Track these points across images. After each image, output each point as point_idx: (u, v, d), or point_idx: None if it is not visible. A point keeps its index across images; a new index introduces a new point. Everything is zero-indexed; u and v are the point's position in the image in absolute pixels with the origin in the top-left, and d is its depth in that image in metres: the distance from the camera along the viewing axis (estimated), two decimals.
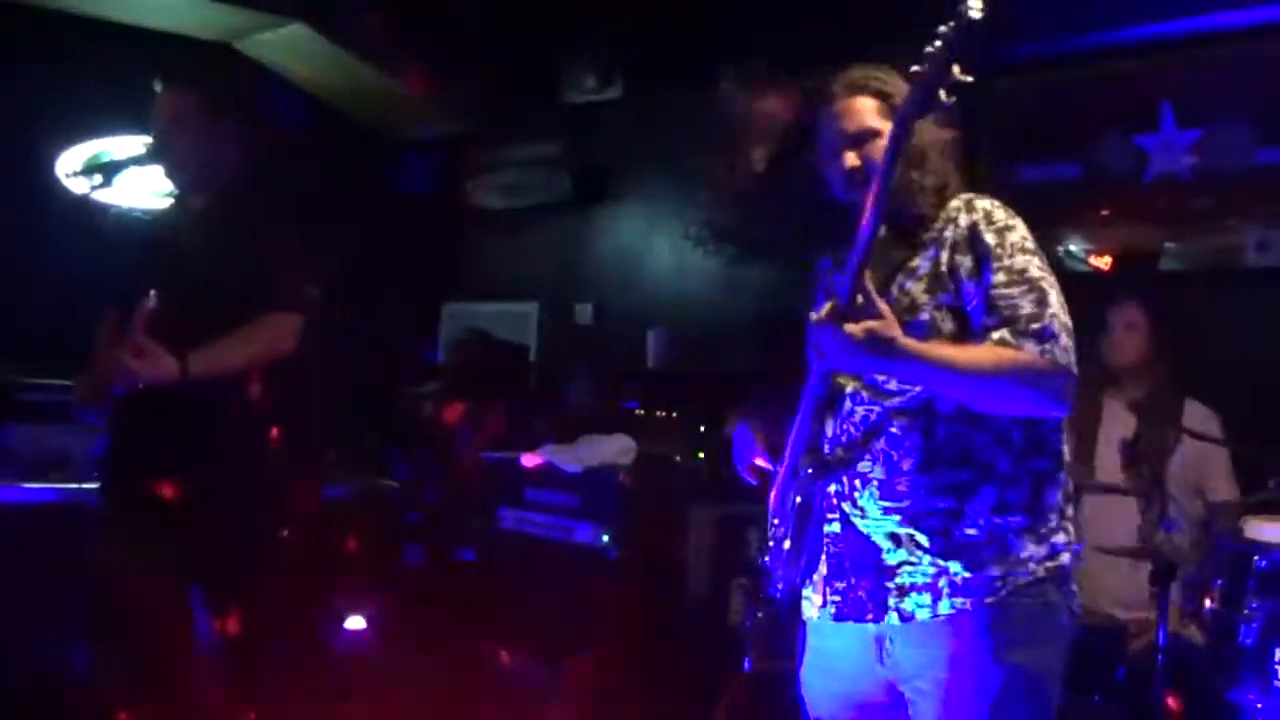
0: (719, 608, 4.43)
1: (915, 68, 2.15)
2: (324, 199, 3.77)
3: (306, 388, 3.54)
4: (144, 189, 4.45)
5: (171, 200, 3.78)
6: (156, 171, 3.79)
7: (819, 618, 2.54)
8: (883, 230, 2.33)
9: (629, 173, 6.44)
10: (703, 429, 4.95)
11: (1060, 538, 2.40)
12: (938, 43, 2.11)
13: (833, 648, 2.52)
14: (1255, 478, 3.68)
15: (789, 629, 3.52)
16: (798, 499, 2.47)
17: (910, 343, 2.22)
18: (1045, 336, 2.27)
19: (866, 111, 2.49)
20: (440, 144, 6.99)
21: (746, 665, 4.01)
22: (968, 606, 2.33)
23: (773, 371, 2.74)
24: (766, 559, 2.60)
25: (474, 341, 6.28)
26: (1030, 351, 2.27)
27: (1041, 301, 2.30)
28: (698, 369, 5.68)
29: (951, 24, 2.10)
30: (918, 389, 2.37)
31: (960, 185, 2.49)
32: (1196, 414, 3.93)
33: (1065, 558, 2.40)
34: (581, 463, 4.71)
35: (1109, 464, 3.93)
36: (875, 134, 2.44)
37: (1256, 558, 3.28)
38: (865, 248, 2.21)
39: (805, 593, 2.57)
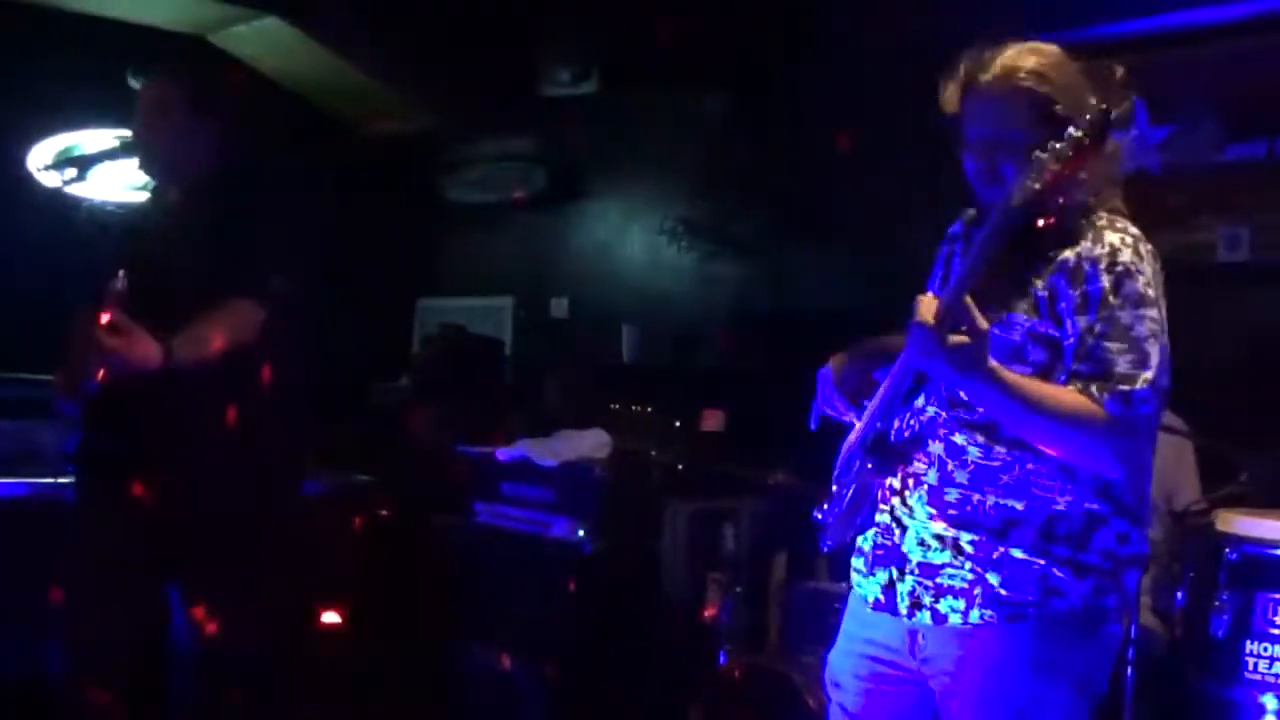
0: (695, 602, 4.44)
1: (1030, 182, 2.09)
2: (296, 193, 3.75)
3: (287, 383, 3.50)
4: (117, 182, 4.43)
5: (147, 194, 3.76)
6: (130, 165, 3.77)
7: (860, 597, 2.55)
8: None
9: (604, 168, 6.44)
10: (678, 424, 4.96)
11: (1107, 581, 2.35)
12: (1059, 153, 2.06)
13: (868, 635, 2.53)
14: (1224, 473, 3.70)
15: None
16: (866, 472, 2.48)
17: (998, 369, 2.19)
18: (1133, 400, 2.22)
19: (1008, 113, 2.37)
20: (415, 138, 6.96)
21: (722, 659, 4.03)
22: (994, 620, 2.33)
23: (748, 367, 2.77)
24: (823, 515, 2.61)
25: (448, 337, 6.28)
26: (1111, 412, 2.21)
27: (1140, 363, 2.23)
28: (672, 364, 5.71)
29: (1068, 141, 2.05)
30: (974, 415, 2.36)
31: (1110, 199, 2.43)
32: (1167, 420, 3.95)
33: (1111, 599, 2.36)
34: (557, 457, 4.70)
35: None
36: (1013, 139, 2.34)
37: (1227, 550, 3.30)
38: (978, 263, 2.17)
39: (855, 574, 2.58)
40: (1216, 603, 3.27)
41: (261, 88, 6.48)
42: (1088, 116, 2.07)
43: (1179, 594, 3.52)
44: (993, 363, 2.18)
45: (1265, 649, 3.19)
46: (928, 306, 2.15)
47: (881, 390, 2.48)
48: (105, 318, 3.14)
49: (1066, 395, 2.25)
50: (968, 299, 2.13)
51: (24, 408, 4.47)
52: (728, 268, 5.83)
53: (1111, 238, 2.31)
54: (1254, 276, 4.46)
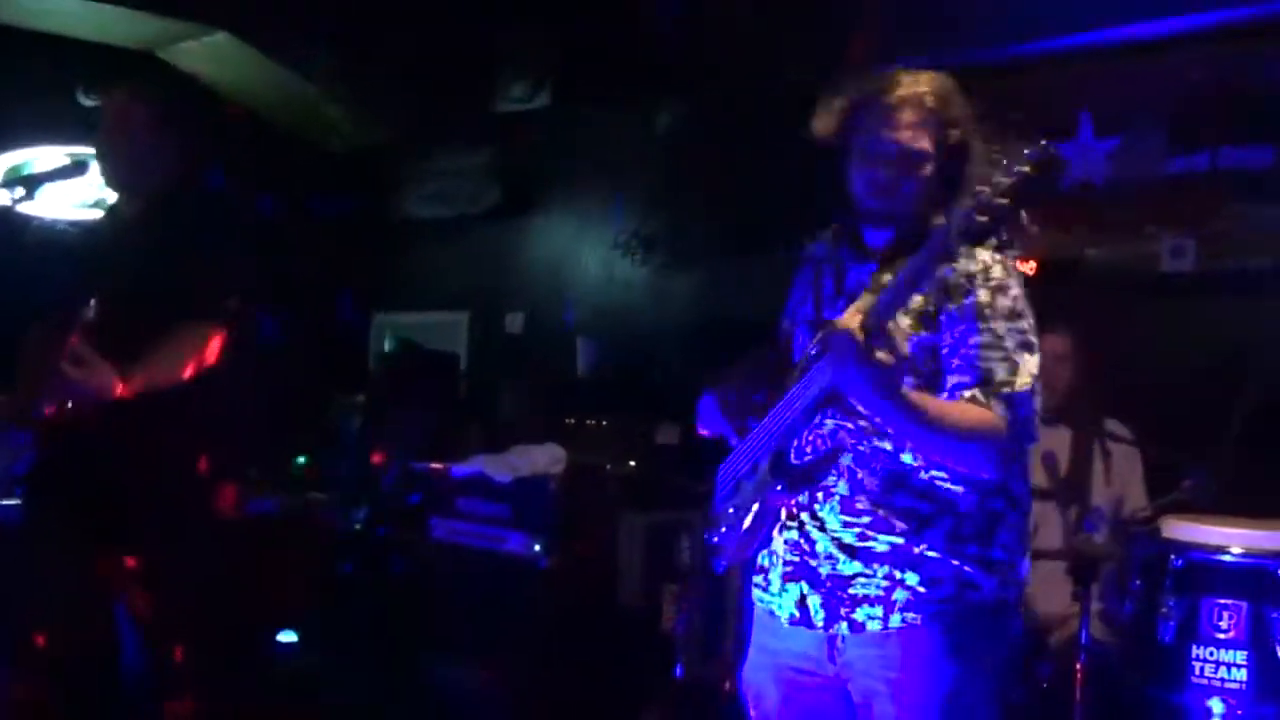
0: (651, 614, 4.45)
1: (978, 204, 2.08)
2: (250, 209, 3.74)
3: (233, 399, 3.49)
4: (67, 201, 4.40)
5: (100, 211, 3.74)
6: (80, 183, 3.76)
7: (771, 612, 2.56)
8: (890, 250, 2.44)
9: (558, 182, 6.45)
10: (633, 437, 4.97)
11: (1010, 573, 2.44)
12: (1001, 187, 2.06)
13: (783, 646, 2.54)
14: (1169, 481, 3.75)
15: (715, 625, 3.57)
16: (760, 490, 2.48)
17: (907, 393, 2.24)
18: (1014, 402, 2.31)
19: (921, 124, 2.43)
20: (369, 152, 6.95)
21: (678, 672, 4.04)
22: (918, 621, 2.38)
23: (702, 379, 2.78)
24: (714, 532, 2.60)
25: (404, 352, 6.27)
26: (997, 414, 2.30)
27: (1014, 370, 2.33)
28: (626, 377, 5.72)
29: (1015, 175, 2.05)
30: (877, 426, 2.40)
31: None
32: (1110, 424, 4.01)
33: (1013, 590, 2.45)
34: (513, 472, 4.71)
35: (1036, 474, 4.01)
36: (924, 158, 2.42)
37: (1173, 557, 3.33)
38: (904, 288, 2.20)
39: (758, 579, 2.59)
40: (1163, 609, 3.31)
41: (213, 104, 6.45)
42: (1037, 154, 2.06)
43: (1125, 599, 3.56)
44: (906, 389, 2.24)
45: (1211, 654, 3.23)
46: (853, 320, 2.17)
47: (778, 410, 2.47)
48: (69, 346, 3.15)
49: (965, 408, 2.32)
50: (889, 325, 2.18)
51: None
52: (682, 280, 5.85)
53: (984, 255, 2.38)
54: (1199, 286, 4.51)
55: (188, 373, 3.33)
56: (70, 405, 3.22)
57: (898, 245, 2.44)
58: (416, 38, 6.34)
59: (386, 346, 6.65)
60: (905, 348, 2.26)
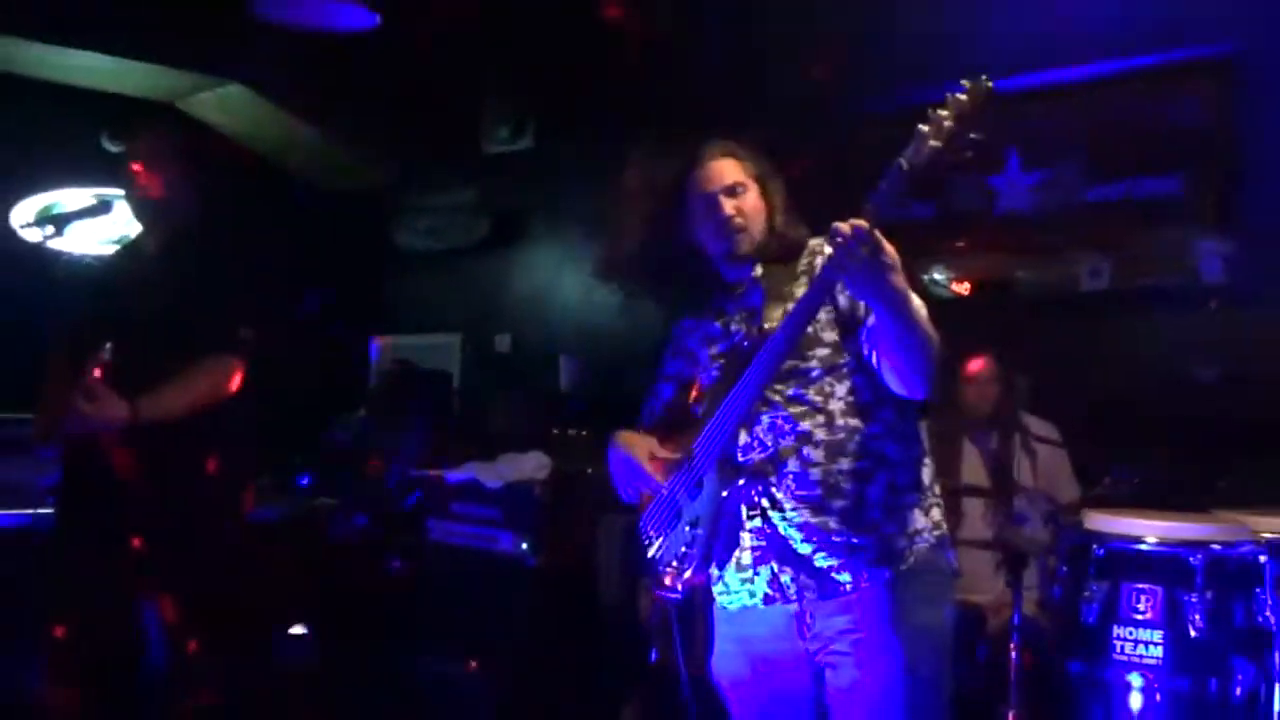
0: (630, 607, 4.44)
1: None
2: (262, 245, 3.75)
3: (244, 414, 3.49)
4: (92, 238, 4.39)
5: (120, 247, 3.74)
6: (105, 222, 3.76)
7: (740, 607, 2.57)
8: (758, 270, 2.55)
9: (540, 216, 6.45)
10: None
11: (937, 512, 2.53)
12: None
13: (754, 633, 2.56)
14: (1093, 478, 3.78)
15: (689, 625, 3.57)
16: (721, 497, 2.48)
17: (899, 277, 2.24)
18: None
19: (732, 169, 2.59)
20: (369, 192, 6.95)
21: (653, 657, 4.03)
22: (882, 574, 2.43)
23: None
24: (666, 565, 2.60)
25: (401, 371, 6.26)
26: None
27: None
28: (604, 391, 5.71)
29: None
30: (811, 401, 2.46)
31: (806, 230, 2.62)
32: (1039, 426, 4.04)
33: (944, 525, 2.54)
34: (502, 478, 4.71)
35: (970, 472, 4.04)
36: (742, 186, 2.57)
37: (1095, 546, 3.37)
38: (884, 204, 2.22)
39: (719, 588, 2.60)
40: (1086, 592, 3.34)
41: (227, 149, 6.44)
42: (964, 88, 2.15)
43: (1054, 586, 3.59)
44: (899, 277, 2.23)
45: (1130, 633, 3.26)
46: (855, 223, 2.14)
47: (716, 421, 2.49)
48: (84, 382, 3.16)
49: (922, 311, 2.35)
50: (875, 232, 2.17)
51: (10, 445, 4.40)
52: (650, 305, 5.82)
53: (816, 243, 2.55)
54: (1113, 303, 4.55)
55: (211, 400, 3.34)
56: (86, 432, 3.24)
57: (765, 261, 2.58)
58: (412, 88, 6.34)
59: (385, 366, 6.62)
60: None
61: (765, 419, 2.49)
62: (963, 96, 2.12)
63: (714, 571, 2.58)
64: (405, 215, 6.83)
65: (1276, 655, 3.12)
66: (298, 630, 5.01)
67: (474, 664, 4.48)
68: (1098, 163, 4.62)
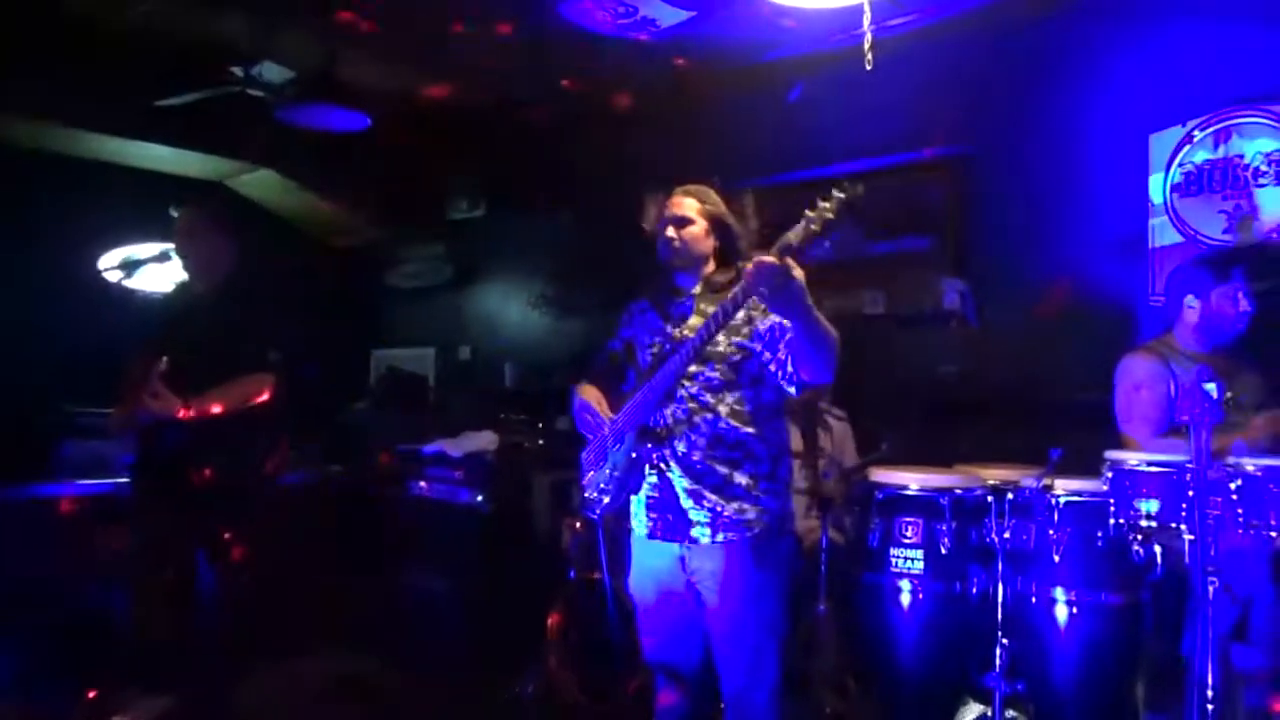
0: (555, 539, 4.36)
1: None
2: (290, 287, 3.65)
3: (274, 413, 3.34)
4: (159, 279, 4.17)
5: (178, 286, 3.56)
6: (166, 268, 3.58)
7: (643, 537, 2.52)
8: (697, 289, 2.48)
9: (491, 264, 6.34)
10: (540, 425, 4.89)
11: (786, 497, 2.46)
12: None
13: (653, 562, 2.51)
14: (872, 444, 3.79)
15: (608, 547, 3.51)
16: (632, 454, 2.43)
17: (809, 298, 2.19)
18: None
19: (689, 206, 2.50)
20: (367, 247, 6.76)
21: (571, 575, 3.96)
22: (734, 538, 2.39)
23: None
24: (590, 493, 2.55)
25: (391, 374, 6.14)
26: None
27: None
28: (536, 387, 5.63)
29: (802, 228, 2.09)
30: (707, 401, 2.38)
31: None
32: (834, 410, 4.03)
33: (791, 509, 2.48)
34: (463, 449, 4.59)
35: (791, 442, 4.02)
36: (691, 221, 2.48)
37: (876, 492, 3.37)
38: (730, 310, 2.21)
39: (635, 522, 2.55)
40: (871, 525, 3.34)
41: (262, 217, 6.23)
42: (843, 194, 2.12)
43: (848, 520, 3.59)
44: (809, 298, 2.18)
45: (901, 552, 3.26)
46: (771, 257, 2.10)
47: (643, 394, 2.44)
48: (150, 385, 3.02)
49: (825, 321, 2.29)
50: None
51: (96, 431, 4.19)
52: (571, 324, 5.80)
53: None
54: (887, 323, 4.58)
55: (246, 404, 3.19)
56: (153, 423, 3.09)
57: (706, 283, 2.49)
58: (397, 170, 6.17)
59: (381, 371, 6.46)
60: (733, 349, 2.26)
61: (673, 405, 2.42)
62: (841, 195, 2.07)
63: (630, 505, 2.53)
64: (393, 263, 6.68)
65: (999, 564, 3.15)
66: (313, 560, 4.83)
67: (443, 582, 4.36)
68: (875, 227, 4.65)
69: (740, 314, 2.36)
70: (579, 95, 5.33)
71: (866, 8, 2.79)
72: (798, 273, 2.09)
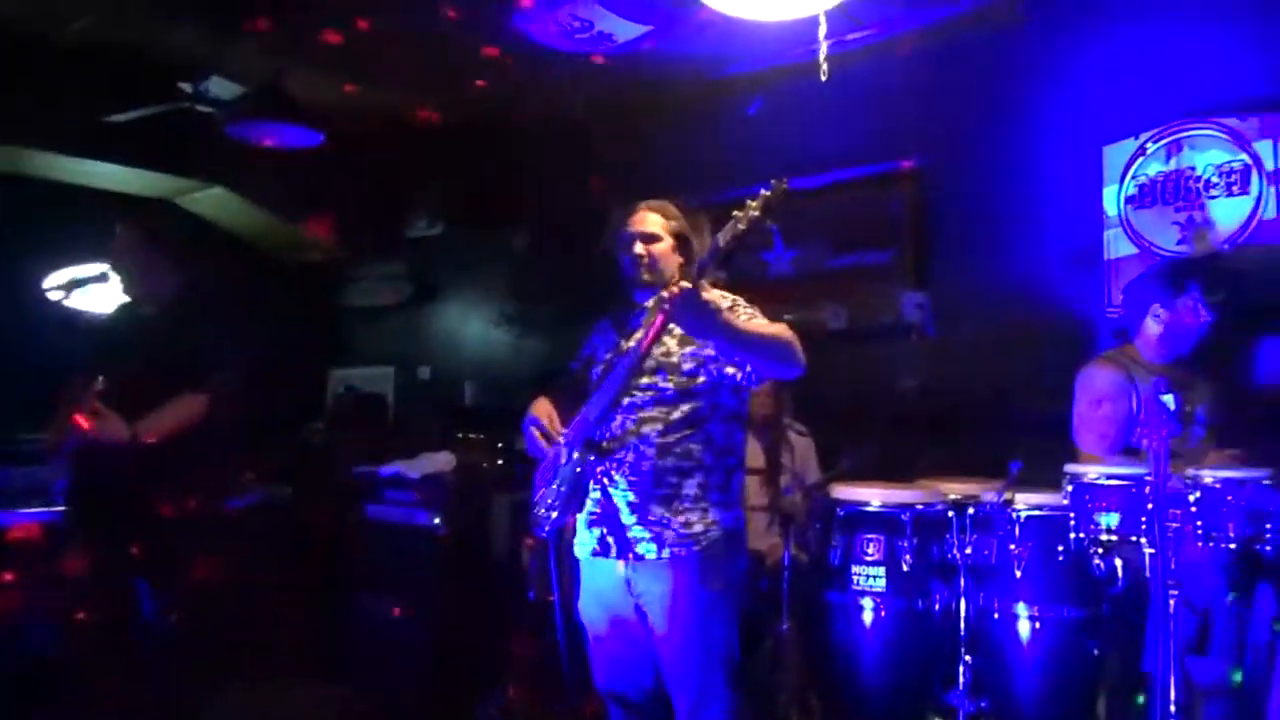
0: (514, 561, 4.27)
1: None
2: (241, 306, 3.55)
3: (217, 437, 3.22)
4: (104, 300, 4.05)
5: (119, 307, 3.44)
6: (108, 288, 3.47)
7: (587, 557, 2.44)
8: (650, 303, 2.43)
9: (450, 282, 6.24)
10: (499, 445, 4.80)
11: (738, 510, 2.39)
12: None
13: (599, 585, 2.44)
14: (833, 459, 3.76)
15: (557, 566, 3.45)
16: (577, 469, 2.37)
17: (725, 316, 2.19)
18: (788, 326, 2.33)
19: (655, 222, 2.48)
20: (325, 264, 6.65)
21: (531, 596, 3.88)
22: (682, 553, 2.30)
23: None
24: (539, 510, 2.48)
25: (349, 395, 6.02)
26: (785, 326, 2.31)
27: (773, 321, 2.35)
28: (496, 407, 5.55)
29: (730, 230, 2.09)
30: (655, 412, 2.32)
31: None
32: (797, 426, 3.99)
33: (743, 526, 2.40)
34: (420, 471, 4.48)
35: (752, 458, 3.96)
36: (659, 238, 2.46)
37: (838, 509, 3.33)
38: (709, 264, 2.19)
39: (579, 540, 2.47)
40: (833, 541, 3.29)
41: (214, 236, 6.09)
42: (771, 186, 2.13)
43: (810, 536, 3.54)
44: (724, 319, 2.18)
45: (864, 570, 3.21)
46: (683, 284, 2.13)
47: (587, 409, 2.40)
48: (90, 405, 2.89)
49: (761, 322, 2.31)
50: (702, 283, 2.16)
51: (36, 458, 4.03)
52: (530, 343, 5.74)
53: (714, 293, 2.42)
54: (848, 337, 4.55)
55: (187, 425, 3.07)
56: (91, 446, 2.95)
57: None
58: (355, 189, 6.07)
59: (339, 390, 6.33)
60: (683, 360, 2.23)
61: (621, 415, 2.36)
62: (768, 193, 2.08)
63: (575, 522, 2.47)
64: (352, 281, 6.56)
65: (961, 580, 3.11)
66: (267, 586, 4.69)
67: (398, 610, 4.24)
68: (836, 242, 4.63)
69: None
70: (536, 111, 5.28)
71: (822, 19, 2.77)
72: (709, 295, 2.14)
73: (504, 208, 5.77)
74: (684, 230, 2.51)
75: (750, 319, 2.32)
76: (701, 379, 2.37)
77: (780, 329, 2.29)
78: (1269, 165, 3.52)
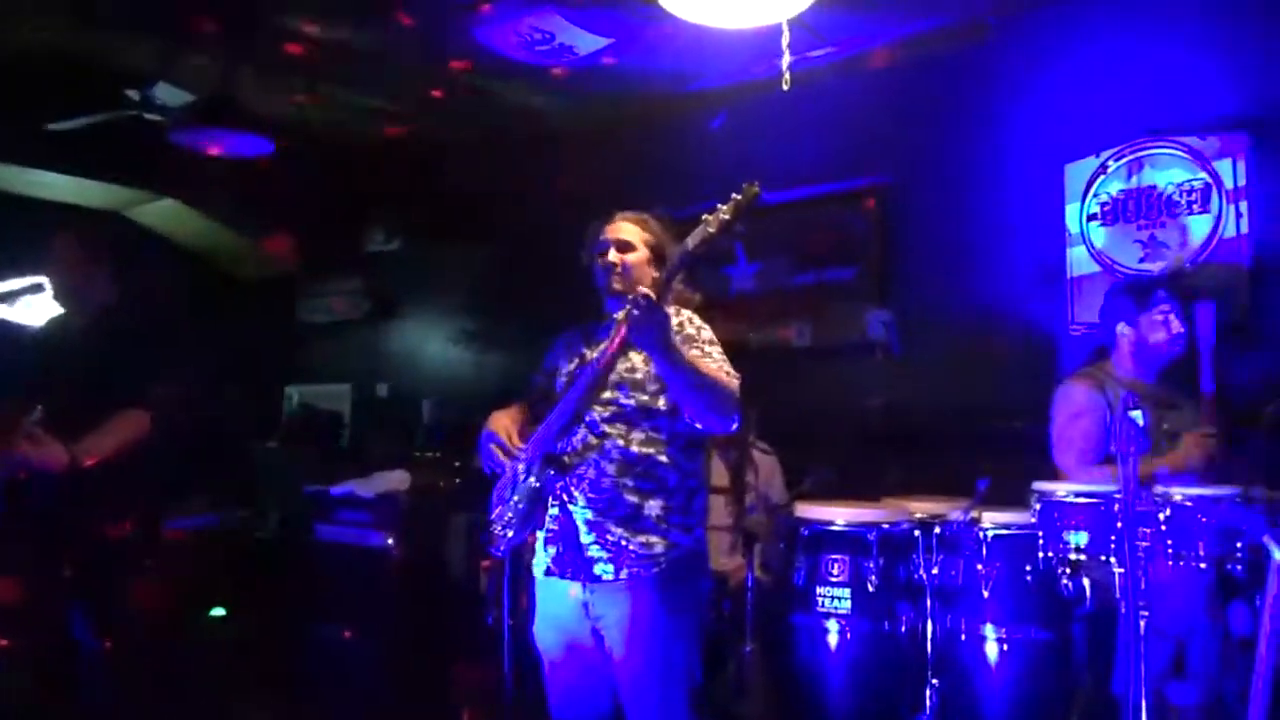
0: (471, 583, 4.14)
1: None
2: (188, 320, 3.39)
3: (157, 458, 3.06)
4: (35, 311, 3.88)
5: (52, 320, 3.28)
6: (43, 300, 3.31)
7: (542, 577, 2.34)
8: (619, 315, 2.29)
9: (409, 298, 6.12)
10: (457, 464, 4.67)
11: (699, 532, 2.30)
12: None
13: (555, 609, 2.33)
14: (797, 477, 3.69)
15: (512, 588, 3.34)
16: (535, 484, 2.28)
17: (675, 343, 2.14)
18: (733, 375, 2.24)
19: (631, 232, 2.41)
20: (281, 279, 6.49)
21: (488, 620, 3.75)
22: (641, 574, 2.21)
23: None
24: (496, 527, 2.38)
25: (304, 412, 5.86)
26: (728, 374, 2.23)
27: (724, 366, 2.27)
28: (454, 425, 5.42)
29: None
30: (617, 429, 2.23)
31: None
32: (761, 445, 3.91)
33: (705, 549, 2.32)
34: (374, 490, 4.34)
35: (716, 477, 3.88)
36: (634, 247, 2.39)
37: (802, 528, 3.24)
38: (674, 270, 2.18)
39: (535, 559, 2.37)
40: (797, 562, 3.21)
41: (163, 249, 5.91)
42: (742, 192, 2.09)
43: (775, 557, 3.46)
44: (675, 341, 2.14)
45: (828, 591, 3.13)
46: (644, 289, 2.09)
47: (547, 424, 2.32)
48: (28, 429, 2.73)
49: (707, 364, 2.22)
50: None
51: None
52: (491, 360, 5.63)
53: (685, 314, 2.38)
54: (813, 355, 4.50)
55: (129, 443, 2.91)
56: (29, 471, 2.80)
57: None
58: (311, 201, 5.92)
59: (294, 408, 6.16)
60: (651, 372, 2.17)
61: (582, 430, 2.27)
62: (739, 197, 2.04)
63: (535, 539, 2.37)
64: (308, 296, 6.41)
65: (927, 600, 3.04)
66: (218, 611, 4.52)
67: (349, 633, 4.08)
68: (800, 258, 4.59)
69: None
70: (498, 124, 5.20)
71: (785, 30, 2.72)
72: (677, 317, 2.12)
73: (464, 222, 5.67)
74: (662, 245, 2.41)
75: (701, 357, 2.24)
76: (664, 399, 2.29)
77: (723, 377, 2.21)
78: (1229, 184, 3.53)
